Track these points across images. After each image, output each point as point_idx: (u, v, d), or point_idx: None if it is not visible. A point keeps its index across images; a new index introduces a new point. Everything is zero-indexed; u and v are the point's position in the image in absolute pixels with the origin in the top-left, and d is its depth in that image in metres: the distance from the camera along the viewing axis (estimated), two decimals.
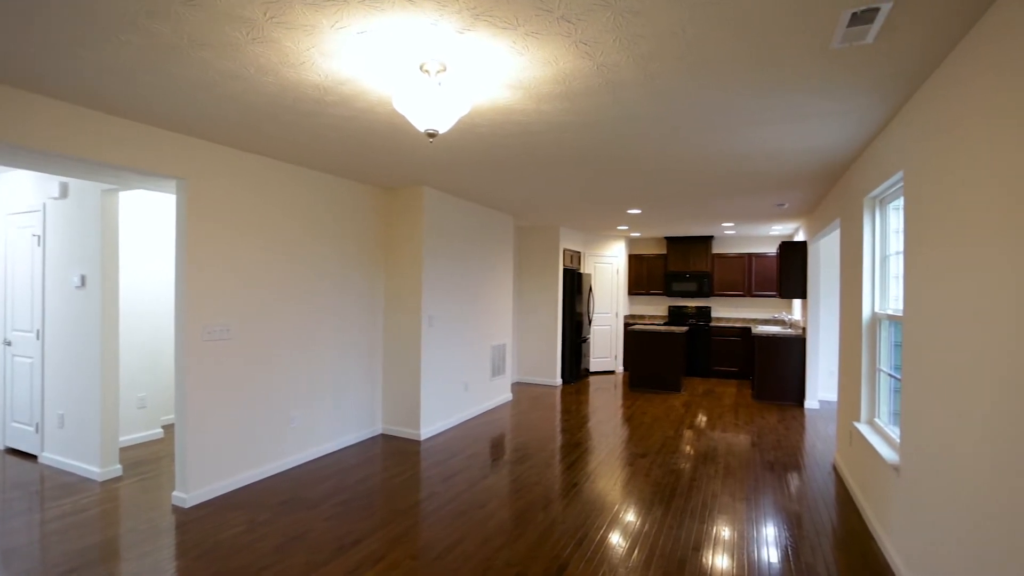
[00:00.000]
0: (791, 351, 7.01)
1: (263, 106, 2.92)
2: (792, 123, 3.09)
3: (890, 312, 3.43)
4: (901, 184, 3.02)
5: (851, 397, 4.03)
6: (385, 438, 5.25)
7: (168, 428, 5.38)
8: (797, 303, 8.15)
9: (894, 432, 3.30)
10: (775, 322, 8.99)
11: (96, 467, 3.99)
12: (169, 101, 2.85)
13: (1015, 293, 1.73)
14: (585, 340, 8.96)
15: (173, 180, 3.53)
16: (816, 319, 6.77)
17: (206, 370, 3.62)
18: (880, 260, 3.64)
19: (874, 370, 3.66)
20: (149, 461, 4.45)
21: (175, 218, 3.55)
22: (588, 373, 9.27)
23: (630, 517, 3.51)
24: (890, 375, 3.49)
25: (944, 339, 2.28)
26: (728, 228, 8.20)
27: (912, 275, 2.69)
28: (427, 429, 5.29)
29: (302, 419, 4.41)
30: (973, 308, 1.99)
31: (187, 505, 3.52)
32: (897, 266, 3.51)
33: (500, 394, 6.90)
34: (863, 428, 3.64)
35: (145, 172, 3.27)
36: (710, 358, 9.05)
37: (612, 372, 9.56)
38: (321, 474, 4.19)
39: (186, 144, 3.47)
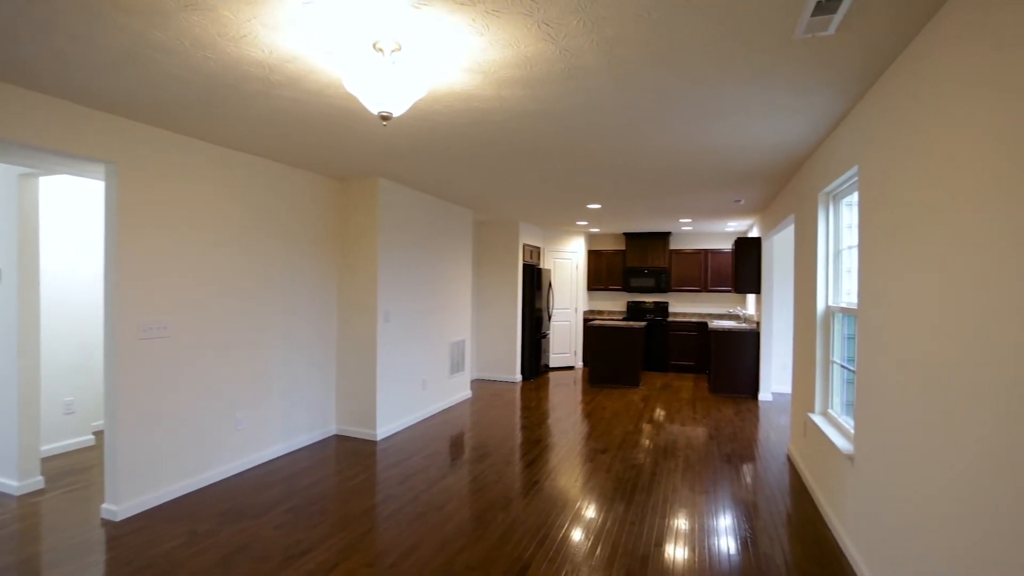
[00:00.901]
0: (745, 345, 7.16)
1: (202, 85, 2.69)
2: (753, 118, 3.09)
3: (843, 305, 3.49)
4: (856, 179, 3.06)
5: (805, 389, 4.11)
6: (340, 439, 5.05)
7: (101, 435, 5.01)
8: (751, 298, 8.35)
9: (848, 423, 3.36)
10: (730, 317, 9.19)
11: (13, 480, 3.64)
12: (95, 76, 2.60)
13: (968, 288, 1.74)
14: (545, 336, 8.92)
15: (101, 164, 3.24)
16: (769, 313, 6.93)
17: (141, 371, 3.36)
18: (833, 255, 3.70)
19: (828, 362, 3.73)
20: (77, 471, 4.12)
21: (104, 205, 3.26)
22: (548, 369, 9.24)
23: (592, 514, 3.46)
24: (843, 367, 3.56)
25: (898, 332, 2.31)
26: (686, 224, 8.31)
27: (867, 269, 2.73)
28: (384, 429, 5.12)
29: (249, 421, 4.17)
30: (927, 302, 2.01)
31: (118, 518, 3.25)
32: (850, 260, 3.58)
33: (459, 391, 6.77)
34: (817, 419, 3.70)
35: (67, 154, 2.98)
36: (668, 353, 9.17)
37: (572, 368, 9.57)
38: (270, 479, 3.97)
39: (116, 125, 3.19)
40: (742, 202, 6.06)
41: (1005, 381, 1.50)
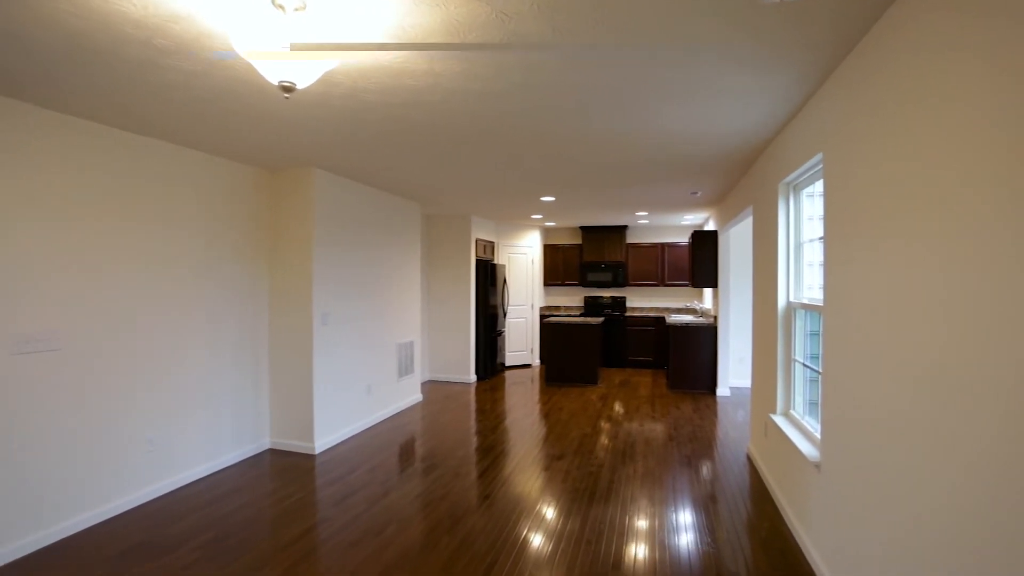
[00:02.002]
0: (703, 340, 7.05)
1: (64, 48, 2.24)
2: (711, 101, 2.85)
3: (805, 301, 3.32)
4: (819, 167, 2.87)
5: (765, 388, 3.95)
6: (274, 454, 4.61)
7: None
8: (708, 292, 8.27)
9: (811, 424, 3.20)
10: (687, 311, 9.12)
11: None
12: None
13: (943, 284, 1.54)
14: (500, 334, 8.63)
15: None
16: (726, 307, 6.83)
17: (20, 393, 2.87)
18: (794, 248, 3.54)
19: (789, 361, 3.56)
20: None
21: None
22: (504, 368, 8.96)
23: (546, 532, 3.18)
24: (806, 366, 3.40)
25: (868, 331, 2.11)
26: (642, 218, 8.16)
27: (833, 263, 2.53)
28: (323, 441, 4.71)
29: (164, 441, 3.71)
30: (899, 298, 1.80)
31: None
32: (812, 254, 3.41)
33: (409, 395, 6.40)
34: (779, 420, 3.54)
35: None
36: (626, 348, 9.03)
37: (529, 366, 9.32)
38: (187, 505, 3.53)
39: None
40: (699, 194, 5.90)
41: (1003, 385, 1.29)
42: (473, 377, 7.93)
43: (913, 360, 1.75)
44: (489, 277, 8.15)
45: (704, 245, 7.02)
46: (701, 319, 7.51)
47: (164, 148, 3.68)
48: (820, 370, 2.96)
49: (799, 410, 3.50)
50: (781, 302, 3.59)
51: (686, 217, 8.05)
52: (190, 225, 3.91)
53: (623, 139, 3.64)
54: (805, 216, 3.48)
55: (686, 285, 9.01)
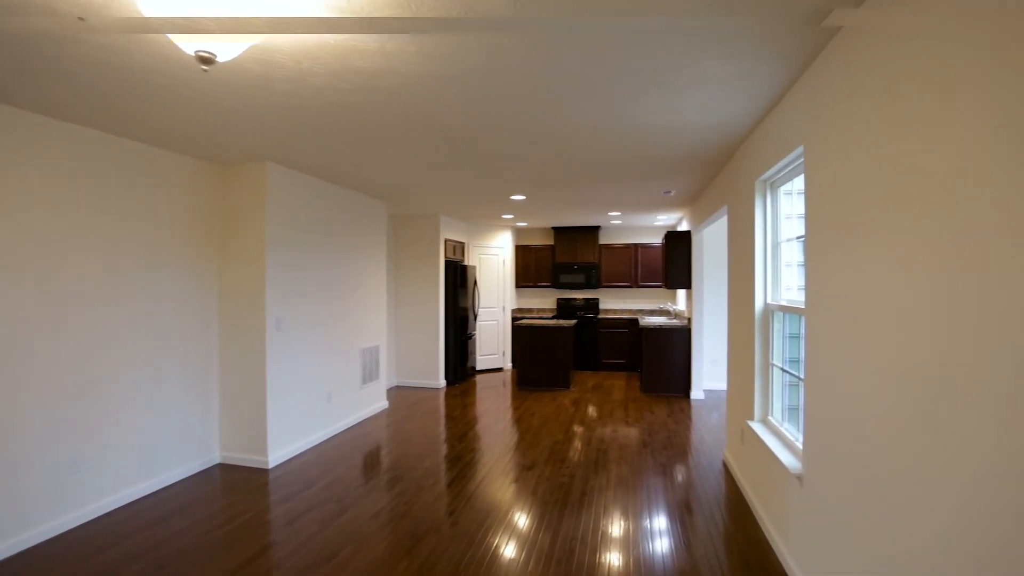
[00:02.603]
0: (677, 342, 6.94)
1: None
2: (688, 89, 2.68)
3: (784, 303, 3.18)
4: (800, 162, 2.72)
5: (742, 394, 3.80)
6: (224, 469, 4.29)
7: None
8: (681, 293, 8.18)
9: (791, 432, 3.05)
10: (661, 312, 9.02)
11: None
12: None
13: (937, 283, 1.37)
14: (471, 337, 8.39)
15: None
16: (700, 309, 6.73)
17: None
18: (772, 248, 3.40)
19: (767, 365, 3.42)
20: None
21: None
22: (475, 372, 8.72)
23: (513, 552, 2.96)
24: (784, 370, 3.26)
25: (854, 334, 1.95)
26: (615, 218, 8.02)
27: (815, 263, 2.38)
28: (278, 454, 4.40)
29: (92, 459, 3.36)
30: (888, 299, 1.64)
31: None
32: (790, 254, 3.27)
33: (374, 402, 6.11)
34: (757, 427, 3.39)
35: None
36: (599, 351, 8.88)
37: (500, 369, 9.10)
38: (117, 532, 3.20)
39: None
40: (672, 193, 5.77)
41: (1004, 391, 1.12)
42: (442, 382, 7.66)
43: (904, 366, 1.59)
44: (459, 279, 7.90)
45: (678, 246, 6.91)
46: (675, 321, 7.40)
47: (94, 137, 3.34)
48: (801, 376, 2.81)
49: (777, 416, 3.36)
50: (758, 304, 3.45)
51: (659, 217, 7.94)
52: (129, 224, 3.58)
53: (595, 134, 3.45)
54: (783, 215, 3.35)
55: (659, 286, 8.91)
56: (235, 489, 3.90)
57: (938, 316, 1.44)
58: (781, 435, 3.11)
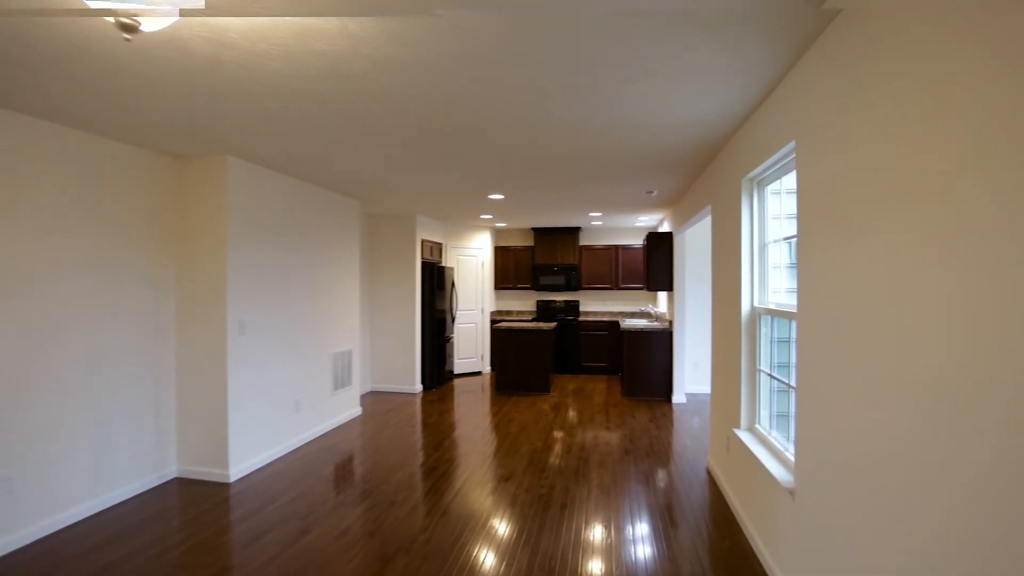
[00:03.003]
0: (659, 345, 6.82)
1: None
2: (674, 81, 2.53)
3: (772, 306, 3.05)
4: (791, 158, 2.59)
5: (727, 401, 3.67)
6: (182, 484, 4.02)
7: None
8: (662, 295, 8.09)
9: (779, 441, 2.92)
10: (642, 315, 8.92)
11: None
12: None
13: (943, 284, 1.24)
14: (448, 340, 8.17)
15: None
16: (682, 311, 6.62)
17: None
18: (759, 249, 3.27)
19: (754, 371, 3.29)
20: None
21: None
22: (453, 376, 8.50)
23: (490, 571, 2.77)
24: (772, 376, 3.13)
25: (850, 340, 1.82)
26: (595, 219, 7.89)
27: (808, 265, 2.24)
28: (241, 467, 4.15)
29: (28, 479, 3.08)
30: (888, 302, 1.51)
31: None
32: (778, 255, 3.15)
33: (346, 409, 5.86)
34: (743, 436, 3.25)
35: None
36: (579, 354, 8.74)
37: (479, 373, 8.90)
38: (56, 557, 2.92)
39: None
40: (655, 194, 5.65)
41: (1010, 396, 0.98)
42: (419, 387, 7.44)
43: (905, 371, 1.45)
44: (436, 280, 7.69)
45: (659, 247, 6.79)
46: (656, 324, 7.29)
47: (30, 125, 3.07)
48: (792, 383, 2.68)
49: (765, 424, 3.23)
50: (745, 308, 3.32)
51: (641, 218, 7.83)
52: (73, 220, 3.30)
53: (575, 128, 3.28)
54: (770, 215, 3.22)
55: (641, 288, 8.81)
56: (192, 506, 3.64)
57: (940, 318, 1.30)
58: (770, 445, 2.98)
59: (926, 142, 1.38)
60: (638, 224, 8.54)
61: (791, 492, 2.39)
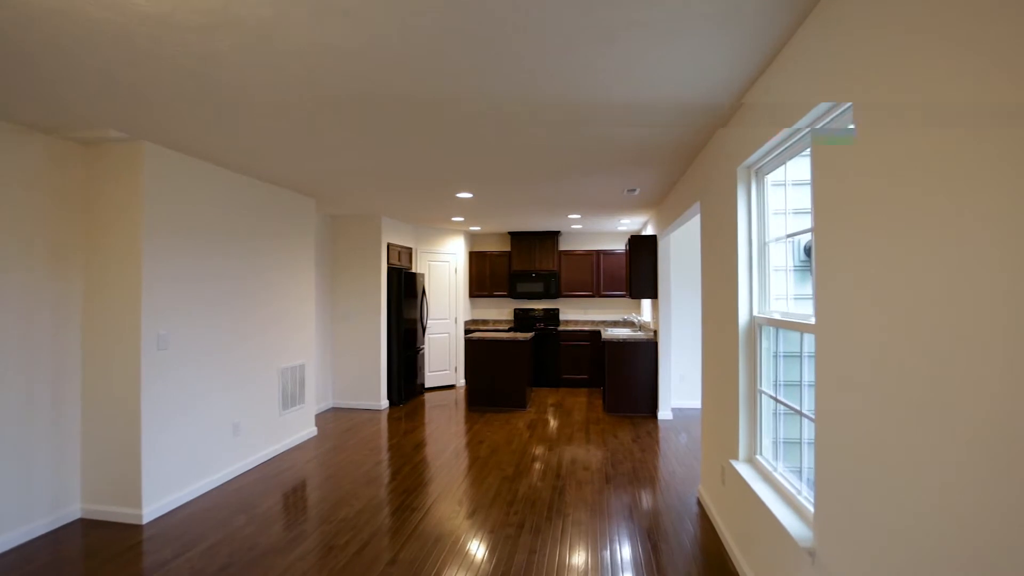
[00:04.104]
0: (643, 357, 6.34)
1: None
2: (663, 44, 2.04)
3: (776, 316, 2.57)
4: (805, 134, 2.12)
5: (722, 426, 3.18)
6: (86, 526, 3.40)
7: None
8: (646, 303, 7.63)
9: (789, 481, 2.43)
10: (625, 324, 8.45)
11: None
12: None
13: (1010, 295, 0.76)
14: (419, 351, 7.61)
15: None
16: (667, 320, 6.16)
17: None
18: (758, 249, 2.79)
19: (754, 392, 2.80)
20: None
21: None
22: (424, 390, 7.93)
23: None
24: (776, 400, 2.64)
25: (892, 359, 1.35)
26: (575, 222, 7.41)
27: (830, 264, 1.76)
28: (158, 504, 3.55)
29: None
30: (947, 314, 1.03)
31: None
32: (782, 256, 2.68)
33: (298, 430, 5.27)
34: (743, 469, 2.76)
35: None
36: (559, 365, 8.23)
37: (452, 387, 8.34)
38: None
39: None
40: (637, 192, 5.18)
41: None
42: (385, 403, 6.86)
43: (969, 403, 0.96)
44: (405, 287, 7.13)
45: (642, 252, 6.33)
46: (640, 333, 6.81)
47: None
48: (805, 410, 2.19)
49: (768, 455, 2.74)
50: (742, 318, 2.84)
51: (623, 221, 7.37)
52: None
53: (547, 106, 2.78)
54: (770, 209, 2.76)
55: (623, 296, 8.35)
56: (92, 555, 3.04)
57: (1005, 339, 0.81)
58: (776, 484, 2.48)
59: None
60: (620, 228, 8.09)
61: (810, 553, 1.90)
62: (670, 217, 5.16)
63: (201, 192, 3.94)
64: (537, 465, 4.58)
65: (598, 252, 8.42)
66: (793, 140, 2.24)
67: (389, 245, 7.02)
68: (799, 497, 2.21)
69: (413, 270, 7.83)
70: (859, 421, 1.57)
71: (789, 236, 2.57)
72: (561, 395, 7.69)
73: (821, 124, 1.87)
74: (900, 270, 1.35)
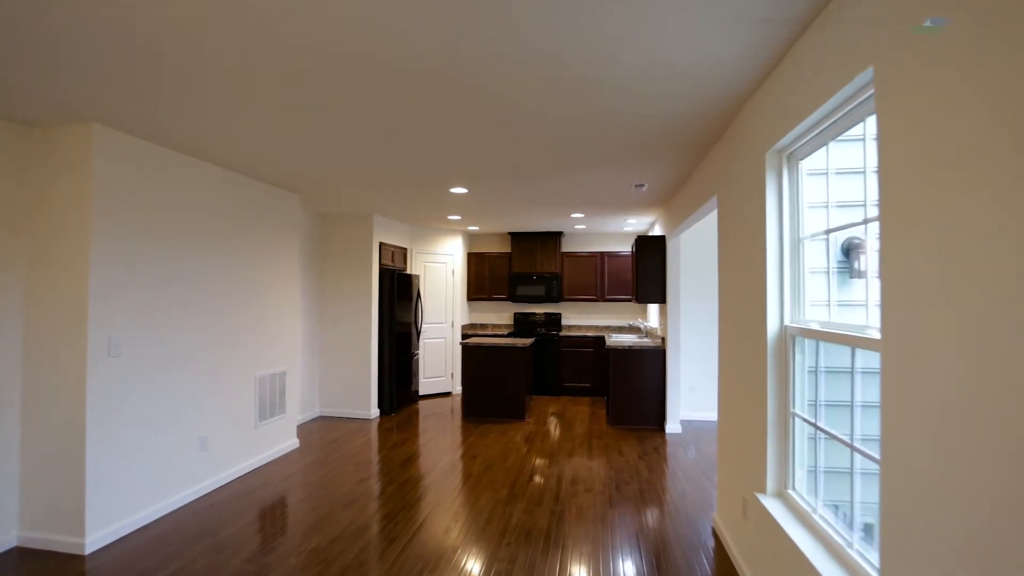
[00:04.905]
0: (650, 366, 5.92)
1: None
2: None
3: (814, 326, 2.17)
4: (863, 100, 1.72)
5: (744, 453, 2.77)
6: (22, 556, 3.02)
7: None
8: (653, 308, 7.21)
9: (831, 523, 2.02)
10: (630, 330, 8.04)
11: None
12: None
13: None
14: (414, 357, 7.21)
15: None
16: (676, 327, 5.74)
17: None
18: (790, 247, 2.39)
19: (787, 415, 2.39)
20: None
21: None
22: (418, 397, 7.53)
23: None
24: (811, 423, 2.23)
25: (987, 386, 0.93)
26: (578, 222, 7.01)
27: (901, 265, 1.36)
28: (106, 531, 3.16)
29: None
30: None
31: None
32: (818, 256, 2.28)
33: (277, 443, 4.88)
34: (772, 506, 2.35)
35: None
36: (560, 373, 7.82)
37: (448, 394, 7.94)
38: None
39: None
40: (645, 188, 4.78)
41: None
42: (375, 412, 6.46)
43: None
44: (399, 289, 6.75)
45: (649, 253, 5.93)
46: (646, 340, 6.40)
47: None
48: (836, 433, 1.78)
49: (801, 488, 2.33)
50: (771, 327, 2.43)
51: (629, 221, 6.97)
52: None
53: (543, 81, 2.39)
54: (804, 201, 2.35)
55: (629, 300, 7.94)
56: None
57: None
58: (816, 529, 2.07)
59: None
60: (626, 228, 7.69)
61: None
62: (681, 215, 4.76)
63: (164, 182, 3.56)
64: (534, 485, 4.17)
65: (602, 254, 8.02)
66: (847, 110, 1.83)
67: (382, 245, 6.64)
68: (849, 551, 1.80)
69: (408, 271, 7.45)
70: (942, 466, 1.16)
71: (828, 232, 2.17)
72: (562, 404, 7.28)
73: (865, 98, 1.47)
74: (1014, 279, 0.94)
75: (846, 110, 1.81)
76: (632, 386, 5.98)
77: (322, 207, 6.01)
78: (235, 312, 4.28)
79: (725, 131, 3.12)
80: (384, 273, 6.64)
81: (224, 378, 4.17)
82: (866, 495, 1.85)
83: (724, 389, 3.27)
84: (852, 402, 1.87)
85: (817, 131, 2.08)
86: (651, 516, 3.61)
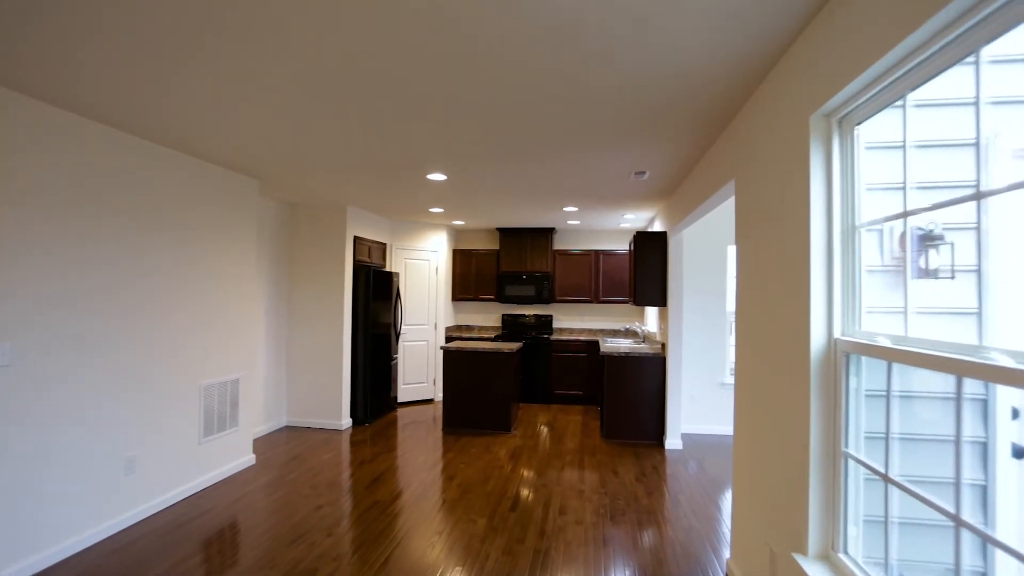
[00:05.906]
0: (648, 374, 5.39)
1: None
2: None
3: (881, 342, 1.63)
4: (964, 29, 1.18)
5: (776, 499, 2.22)
6: None
7: None
8: (651, 311, 6.68)
9: None
10: (626, 334, 7.51)
11: None
12: None
13: None
14: (392, 361, 6.65)
15: None
16: (678, 332, 5.21)
17: None
18: (841, 239, 1.86)
19: (836, 455, 1.85)
20: None
21: None
22: (398, 405, 6.97)
23: None
24: (878, 474, 1.69)
25: None
26: (572, 217, 6.47)
27: None
28: None
29: None
30: None
31: None
32: (888, 245, 1.75)
33: (227, 461, 4.31)
34: (815, 571, 1.81)
35: None
36: (551, 379, 7.27)
37: (431, 401, 7.37)
38: None
39: None
40: (647, 176, 4.24)
41: None
42: (347, 421, 5.90)
43: None
44: (376, 288, 6.18)
45: (649, 250, 5.40)
46: (643, 346, 5.87)
47: None
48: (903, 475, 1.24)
49: (853, 552, 1.80)
50: (816, 341, 1.89)
51: (626, 217, 6.44)
52: None
53: (528, 31, 1.84)
54: (861, 180, 1.82)
55: (625, 302, 7.41)
56: None
57: None
58: None
59: None
60: (623, 225, 7.16)
61: None
62: (687, 207, 4.22)
63: (80, 161, 2.98)
64: (517, 515, 3.62)
65: (597, 252, 7.48)
66: (942, 43, 1.30)
67: (357, 239, 6.07)
68: None
69: (387, 268, 6.88)
70: None
71: (901, 217, 1.63)
72: (553, 413, 6.73)
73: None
74: None
75: (927, 53, 1.27)
76: (628, 396, 5.44)
77: (290, 195, 5.44)
78: (174, 312, 3.71)
79: (750, 96, 2.58)
80: (360, 270, 6.08)
81: (159, 388, 3.60)
82: (966, 558, 1.32)
83: (741, 413, 2.73)
84: (959, 456, 1.34)
85: (887, 82, 1.54)
86: (652, 556, 3.07)
